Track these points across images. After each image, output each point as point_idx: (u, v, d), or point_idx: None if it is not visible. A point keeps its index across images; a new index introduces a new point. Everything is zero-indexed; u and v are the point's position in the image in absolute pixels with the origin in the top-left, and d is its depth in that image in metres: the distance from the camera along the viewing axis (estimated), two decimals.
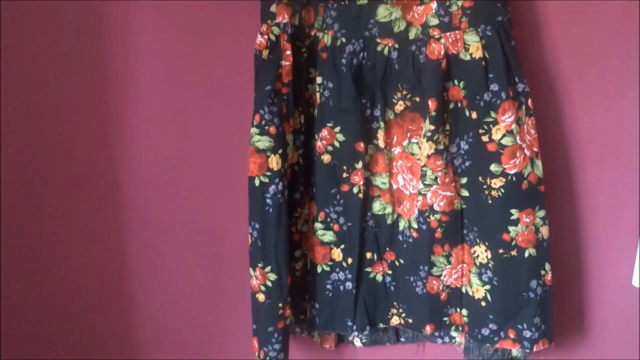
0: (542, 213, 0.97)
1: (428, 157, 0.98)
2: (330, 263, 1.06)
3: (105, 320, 1.17)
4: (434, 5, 0.96)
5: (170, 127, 1.09)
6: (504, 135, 0.95)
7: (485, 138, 0.96)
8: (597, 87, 1.03)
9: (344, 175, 1.02)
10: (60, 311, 1.16)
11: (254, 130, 0.99)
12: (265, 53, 0.98)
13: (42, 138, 1.10)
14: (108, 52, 1.06)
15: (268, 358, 1.01)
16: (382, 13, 0.98)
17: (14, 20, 1.05)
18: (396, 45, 0.98)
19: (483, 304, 1.01)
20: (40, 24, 1.05)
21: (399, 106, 1.00)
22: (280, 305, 1.00)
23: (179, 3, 1.04)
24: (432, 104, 0.96)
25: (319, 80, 1.01)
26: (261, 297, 1.01)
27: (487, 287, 1.01)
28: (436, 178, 0.99)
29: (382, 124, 1.01)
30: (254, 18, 1.00)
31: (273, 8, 0.97)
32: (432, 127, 0.97)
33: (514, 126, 0.95)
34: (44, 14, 1.05)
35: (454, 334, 1.09)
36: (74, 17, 1.05)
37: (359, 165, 1.01)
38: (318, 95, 1.02)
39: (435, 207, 1.00)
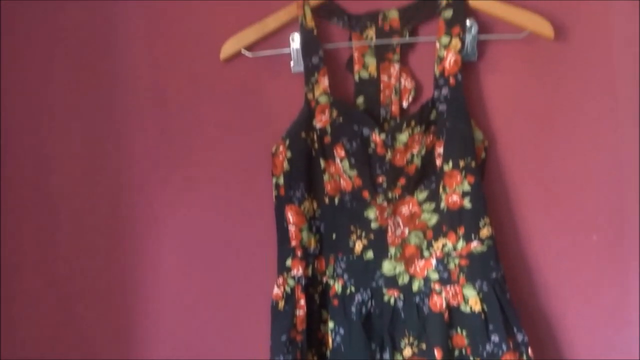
0: None
1: None
2: None
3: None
4: (434, 261, 1.06)
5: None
6: None
7: None
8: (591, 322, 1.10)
9: None
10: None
11: None
12: (281, 304, 1.06)
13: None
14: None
15: None
16: (387, 267, 1.08)
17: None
18: (401, 296, 1.07)
19: None
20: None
21: (407, 351, 1.06)
22: None
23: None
24: (437, 353, 1.02)
25: (330, 325, 1.08)
26: None
27: None
28: None
29: None
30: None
31: (288, 262, 1.08)
32: None
33: None
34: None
35: None
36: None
37: None
38: (330, 339, 1.08)
39: None
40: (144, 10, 1.17)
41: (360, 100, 1.12)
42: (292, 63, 1.11)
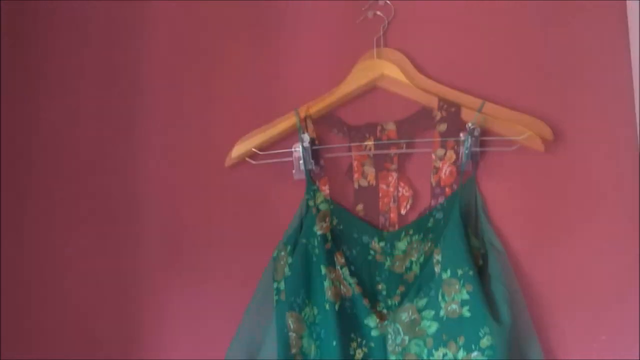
0: None
1: None
2: None
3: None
4: None
5: None
6: None
7: None
8: None
9: None
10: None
11: None
12: None
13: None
14: None
15: None
16: None
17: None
18: None
19: None
20: None
21: None
22: None
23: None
24: None
25: None
26: None
27: None
28: None
29: None
30: None
31: None
32: None
33: None
34: None
35: None
36: None
37: None
38: None
39: None
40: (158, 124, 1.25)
41: (359, 207, 1.15)
42: (294, 171, 1.16)
